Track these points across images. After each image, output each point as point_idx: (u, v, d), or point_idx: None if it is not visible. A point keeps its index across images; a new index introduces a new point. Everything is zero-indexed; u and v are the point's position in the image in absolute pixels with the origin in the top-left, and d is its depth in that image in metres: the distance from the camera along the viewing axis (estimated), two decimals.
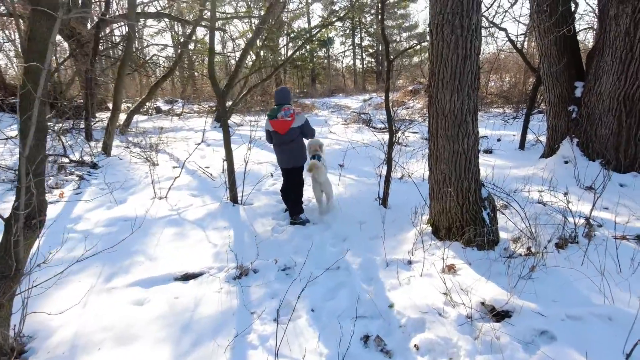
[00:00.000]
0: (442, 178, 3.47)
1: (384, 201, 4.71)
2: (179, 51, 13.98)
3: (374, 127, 11.01)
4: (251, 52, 14.76)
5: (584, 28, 9.87)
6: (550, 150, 6.09)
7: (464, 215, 3.41)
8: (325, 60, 29.20)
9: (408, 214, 4.39)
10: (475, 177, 3.42)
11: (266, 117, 4.52)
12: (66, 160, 7.23)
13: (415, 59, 28.10)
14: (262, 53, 26.17)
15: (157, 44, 19.33)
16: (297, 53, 26.55)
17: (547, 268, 3.01)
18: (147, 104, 17.06)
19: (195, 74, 24.71)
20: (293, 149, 4.45)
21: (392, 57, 4.92)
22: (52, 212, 5.00)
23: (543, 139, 7.86)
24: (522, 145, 7.66)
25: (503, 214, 4.02)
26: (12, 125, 9.20)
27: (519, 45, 10.37)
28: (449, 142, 3.33)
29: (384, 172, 4.78)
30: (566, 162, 5.55)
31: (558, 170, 5.41)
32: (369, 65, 30.08)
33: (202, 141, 6.36)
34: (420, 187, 4.82)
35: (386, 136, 9.29)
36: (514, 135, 9.08)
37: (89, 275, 3.44)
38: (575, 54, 5.76)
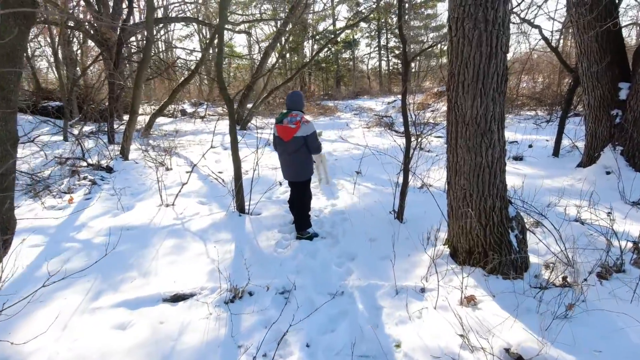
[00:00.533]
0: (462, 195, 3.01)
1: (399, 215, 4.27)
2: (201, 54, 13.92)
3: (396, 131, 10.51)
4: (276, 54, 14.59)
5: (628, 24, 9.02)
6: (589, 159, 5.46)
7: (487, 237, 2.95)
8: (351, 62, 28.74)
9: (424, 230, 3.94)
10: (500, 194, 2.95)
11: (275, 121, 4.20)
12: (84, 163, 7.19)
13: (444, 60, 27.27)
14: (287, 55, 26.10)
15: (183, 48, 19.43)
16: (322, 55, 26.29)
17: (588, 304, 2.50)
18: (173, 106, 17.26)
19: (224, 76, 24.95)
20: (296, 160, 4.00)
21: (410, 58, 4.47)
22: (58, 219, 4.86)
23: (580, 145, 7.18)
24: (556, 152, 7.00)
25: (533, 233, 3.51)
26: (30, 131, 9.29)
27: (554, 44, 9.62)
28: (470, 153, 2.88)
29: (402, 180, 4.35)
30: (608, 173, 4.92)
31: (599, 183, 4.80)
32: (395, 67, 29.38)
33: (212, 146, 6.08)
34: (440, 199, 4.34)
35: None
36: (547, 140, 8.39)
37: (76, 291, 3.20)
38: (620, 52, 5.12)
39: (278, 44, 12.45)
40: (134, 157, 8.14)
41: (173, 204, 5.21)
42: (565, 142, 7.26)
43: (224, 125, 13.23)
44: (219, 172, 7.11)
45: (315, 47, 26.58)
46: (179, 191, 5.34)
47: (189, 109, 18.23)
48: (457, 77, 2.81)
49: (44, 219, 4.62)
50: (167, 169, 7.08)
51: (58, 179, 6.24)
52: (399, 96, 20.44)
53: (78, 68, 11.53)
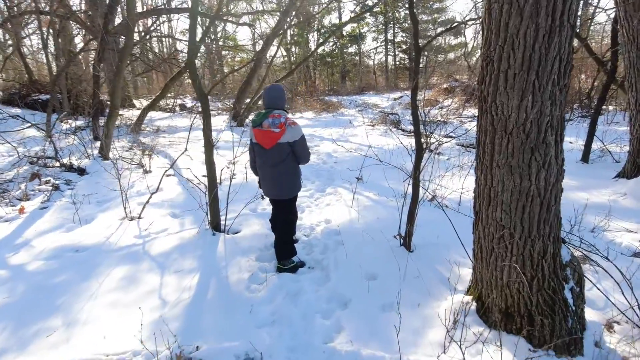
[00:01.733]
0: (498, 232, 2.09)
1: (406, 241, 3.35)
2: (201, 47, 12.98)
3: (402, 130, 9.54)
4: (277, 46, 13.62)
5: None
6: (634, 167, 4.48)
7: (533, 295, 2.03)
8: (357, 57, 27.61)
9: (439, 262, 3.04)
10: (554, 234, 2.03)
11: (250, 124, 3.26)
12: (57, 164, 6.35)
13: (451, 55, 26.05)
14: (293, 49, 25.05)
15: (172, 37, 18.50)
16: (327, 49, 25.22)
17: None
18: (172, 100, 16.39)
19: (225, 70, 23.95)
20: (280, 174, 3.09)
21: (422, 45, 3.51)
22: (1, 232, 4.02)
23: (612, 148, 6.17)
24: (585, 157, 6.01)
25: (587, 278, 2.57)
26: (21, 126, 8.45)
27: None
28: (512, 175, 1.95)
29: (410, 189, 3.40)
30: None
31: None
32: (402, 62, 28.19)
33: (185, 149, 5.17)
34: (457, 218, 3.43)
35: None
36: (570, 142, 7.38)
37: None
38: None
39: (278, 36, 11.46)
40: (116, 155, 7.29)
41: (139, 217, 4.34)
42: (593, 145, 6.27)
43: (219, 120, 12.36)
44: (204, 176, 6.23)
45: (321, 40, 25.53)
46: (147, 202, 4.46)
47: (190, 104, 17.37)
48: (497, 65, 1.87)
49: None
50: (146, 172, 6.21)
51: (22, 182, 5.40)
52: (406, 92, 19.37)
53: (62, 59, 10.65)
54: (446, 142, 6.85)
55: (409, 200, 3.35)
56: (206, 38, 22.56)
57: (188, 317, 2.58)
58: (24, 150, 6.84)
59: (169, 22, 22.83)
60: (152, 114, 14.63)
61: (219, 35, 23.38)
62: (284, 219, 3.31)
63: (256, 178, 3.51)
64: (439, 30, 25.72)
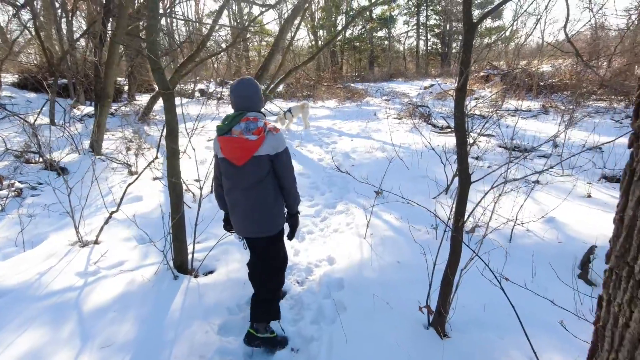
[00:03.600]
0: None
1: (437, 322, 2.15)
2: (221, 31, 11.85)
3: (433, 125, 8.15)
4: (303, 28, 12.37)
5: None
6: None
7: None
8: (386, 42, 25.73)
9: None
10: None
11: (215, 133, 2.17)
12: (41, 160, 5.51)
13: (486, 40, 23.72)
14: (320, 33, 23.55)
15: (185, 19, 17.47)
16: (355, 33, 23.55)
17: None
18: (191, 86, 15.49)
19: (252, 54, 22.80)
20: (258, 201, 2.11)
21: (476, 19, 2.20)
22: None
23: None
24: None
25: None
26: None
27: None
28: None
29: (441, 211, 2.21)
30: None
31: None
32: (434, 47, 26.09)
33: (156, 157, 4.15)
34: (512, 268, 2.21)
35: (451, 140, 6.46)
36: None
37: None
38: None
39: (298, 17, 10.16)
40: (111, 150, 6.39)
41: (95, 242, 3.36)
42: None
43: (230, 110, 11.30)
44: (196, 180, 5.21)
45: (351, 24, 23.85)
46: (105, 223, 3.45)
47: (212, 88, 16.41)
48: None
49: None
50: (131, 173, 5.24)
51: None
52: (437, 79, 17.58)
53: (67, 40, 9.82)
54: (481, 138, 5.51)
55: (441, 233, 2.15)
56: (230, 20, 21.46)
57: None
58: (21, 140, 6.01)
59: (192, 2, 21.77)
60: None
61: (244, 18, 22.19)
62: (265, 267, 2.27)
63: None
64: (475, 12, 23.36)
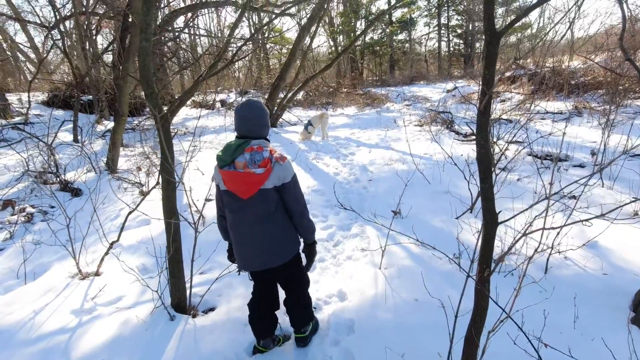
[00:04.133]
0: None
1: None
2: (233, 42, 11.78)
3: (457, 132, 7.69)
4: (329, 39, 12.15)
5: None
6: None
7: None
8: (407, 44, 25.15)
9: None
10: None
11: (215, 164, 2.03)
12: (57, 180, 5.50)
13: (512, 38, 22.71)
14: (339, 38, 23.30)
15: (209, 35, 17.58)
16: (375, 37, 23.16)
17: None
18: (213, 96, 15.56)
19: (273, 61, 22.78)
20: (268, 234, 2.02)
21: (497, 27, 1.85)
22: None
23: None
24: None
25: None
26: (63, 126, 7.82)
27: None
28: None
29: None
30: None
31: None
32: (457, 48, 25.27)
33: (159, 178, 3.95)
34: (554, 306, 1.83)
35: (474, 148, 6.02)
36: None
37: None
38: None
39: (314, 25, 9.94)
40: (126, 168, 6.35)
41: (96, 274, 3.19)
42: None
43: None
44: (209, 196, 5.03)
45: (369, 29, 23.48)
46: (105, 255, 3.28)
47: (232, 99, 16.44)
48: None
49: None
50: (142, 194, 5.12)
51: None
52: (460, 81, 16.90)
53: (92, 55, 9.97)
54: (510, 147, 5.05)
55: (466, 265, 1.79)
56: (249, 29, 21.54)
57: None
58: (43, 160, 6.04)
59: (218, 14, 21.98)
60: (188, 112, 13.90)
61: (264, 28, 22.25)
62: (296, 288, 2.33)
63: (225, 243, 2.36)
64: (499, 10, 22.43)
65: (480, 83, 1.65)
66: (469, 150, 6.10)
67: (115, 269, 3.28)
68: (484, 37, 1.70)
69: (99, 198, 4.44)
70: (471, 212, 4.07)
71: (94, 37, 10.68)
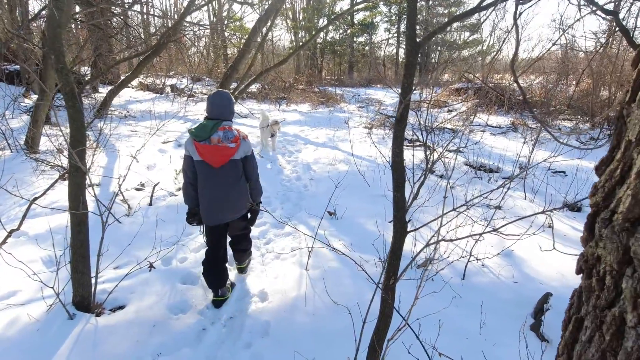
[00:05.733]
0: None
1: None
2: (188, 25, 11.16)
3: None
4: (291, 33, 11.93)
5: None
6: None
7: None
8: (367, 47, 25.55)
9: None
10: None
11: (188, 136, 2.49)
12: None
13: (466, 52, 23.91)
14: (301, 34, 23.11)
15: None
16: (337, 37, 23.28)
17: None
18: (162, 80, 14.74)
19: (233, 50, 22.04)
20: (236, 194, 2.60)
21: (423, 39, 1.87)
22: None
23: None
24: None
25: None
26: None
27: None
28: None
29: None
30: None
31: None
32: None
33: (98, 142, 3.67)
34: (470, 311, 1.89)
35: (419, 154, 6.21)
36: None
37: None
38: None
39: (272, 17, 9.73)
40: (49, 147, 5.78)
41: None
42: None
43: (198, 108, 10.70)
44: (140, 185, 4.72)
45: (331, 27, 23.54)
46: (2, 243, 2.93)
47: (184, 84, 15.66)
48: None
49: None
50: (64, 178, 4.68)
51: None
52: (414, 89, 17.49)
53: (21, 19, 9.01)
54: (449, 155, 5.25)
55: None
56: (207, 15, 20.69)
57: None
58: None
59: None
60: (135, 95, 13.05)
61: (224, 15, 21.46)
62: (246, 235, 2.94)
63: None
64: (455, 25, 23.52)
65: (405, 80, 1.64)
66: (414, 155, 6.27)
67: (21, 253, 2.94)
68: (405, 46, 1.69)
69: (9, 180, 3.99)
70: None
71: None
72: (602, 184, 0.62)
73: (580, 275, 0.70)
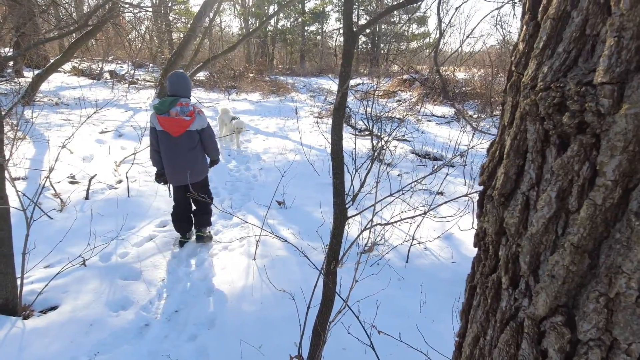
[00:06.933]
0: None
1: None
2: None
3: (353, 127, 8.05)
4: (241, 19, 11.53)
5: None
6: None
7: None
8: (318, 37, 25.52)
9: None
10: None
11: (152, 110, 2.98)
12: None
13: (413, 44, 24.70)
14: (251, 21, 22.54)
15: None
16: (288, 25, 23.01)
17: None
18: (99, 65, 13.71)
19: (175, 36, 20.98)
20: (193, 159, 3.04)
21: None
22: None
23: None
24: None
25: None
26: None
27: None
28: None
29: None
30: None
31: None
32: (364, 47, 26.51)
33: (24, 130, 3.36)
34: (410, 293, 2.01)
35: (368, 143, 6.38)
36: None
37: None
38: None
39: (217, 2, 9.40)
40: None
41: None
42: None
43: (144, 95, 10.17)
44: (71, 177, 4.42)
45: (282, 15, 23.20)
46: None
47: (124, 70, 14.69)
48: None
49: None
50: None
51: None
52: (365, 78, 17.81)
53: None
54: (397, 143, 5.47)
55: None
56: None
57: None
58: None
59: None
60: (69, 80, 12.05)
61: None
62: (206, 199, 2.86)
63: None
64: (404, 17, 24.17)
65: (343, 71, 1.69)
66: (361, 145, 6.43)
67: None
68: (342, 35, 1.73)
69: None
70: (352, 204, 4.28)
71: None
72: (487, 164, 0.70)
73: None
